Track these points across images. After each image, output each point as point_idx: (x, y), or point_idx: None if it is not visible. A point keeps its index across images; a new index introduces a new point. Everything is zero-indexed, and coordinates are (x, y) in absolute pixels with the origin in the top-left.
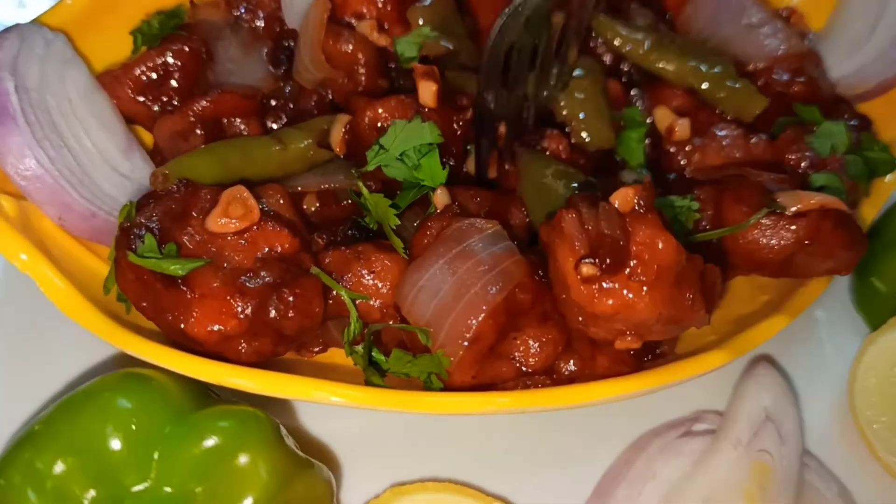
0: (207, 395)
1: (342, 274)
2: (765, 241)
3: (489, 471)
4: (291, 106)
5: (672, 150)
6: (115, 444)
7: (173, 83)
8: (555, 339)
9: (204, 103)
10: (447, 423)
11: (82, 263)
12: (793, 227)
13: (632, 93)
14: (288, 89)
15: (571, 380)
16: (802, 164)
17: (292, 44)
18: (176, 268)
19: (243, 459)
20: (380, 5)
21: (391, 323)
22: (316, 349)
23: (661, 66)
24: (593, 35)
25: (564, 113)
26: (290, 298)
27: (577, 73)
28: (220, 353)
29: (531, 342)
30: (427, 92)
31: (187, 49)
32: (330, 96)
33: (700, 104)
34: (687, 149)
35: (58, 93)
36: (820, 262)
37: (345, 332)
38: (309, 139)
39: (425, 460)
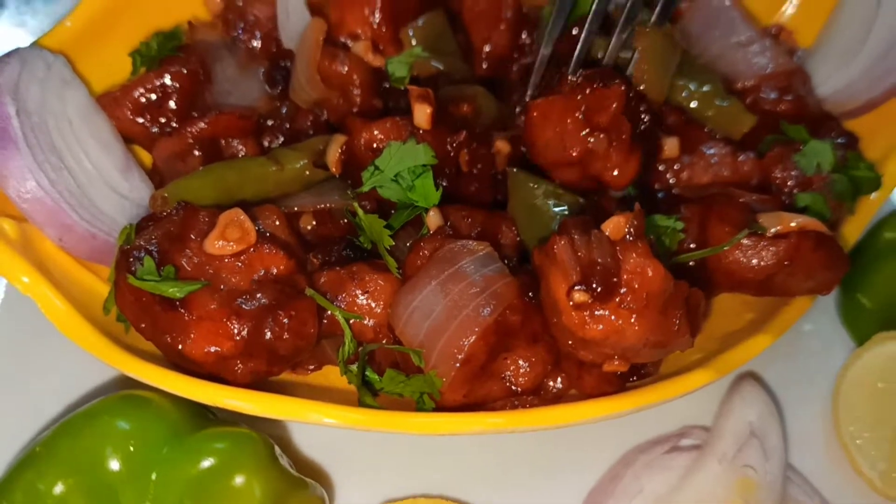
0: (205, 415)
1: (337, 294)
2: (745, 260)
3: (479, 486)
4: (287, 125)
5: (661, 167)
6: (114, 465)
7: (171, 104)
8: (544, 359)
9: (201, 125)
10: (438, 439)
11: (82, 284)
12: (773, 248)
13: None
14: (284, 109)
15: (558, 398)
16: (789, 183)
17: (288, 64)
18: (174, 290)
19: (239, 480)
20: (374, 26)
21: (384, 343)
22: (311, 367)
23: None
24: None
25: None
26: (285, 320)
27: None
28: (218, 374)
29: (521, 362)
30: (422, 114)
31: (185, 71)
32: (325, 116)
33: (689, 122)
34: (676, 167)
35: (58, 115)
36: (800, 281)
37: (339, 352)
38: (305, 159)
39: (416, 476)
